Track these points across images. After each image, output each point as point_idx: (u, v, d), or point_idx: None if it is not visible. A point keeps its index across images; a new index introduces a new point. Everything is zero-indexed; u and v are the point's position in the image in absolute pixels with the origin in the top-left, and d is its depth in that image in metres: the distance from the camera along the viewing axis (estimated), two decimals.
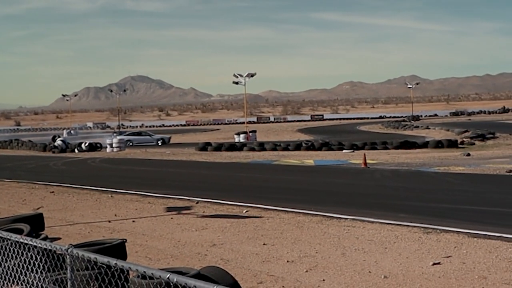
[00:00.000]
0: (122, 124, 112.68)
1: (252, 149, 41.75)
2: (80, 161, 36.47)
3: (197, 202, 16.27)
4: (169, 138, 57.55)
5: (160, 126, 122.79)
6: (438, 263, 8.98)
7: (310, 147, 41.01)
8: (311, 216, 13.47)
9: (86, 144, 48.63)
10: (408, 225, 11.86)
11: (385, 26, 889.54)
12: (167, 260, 9.96)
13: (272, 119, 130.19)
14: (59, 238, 11.75)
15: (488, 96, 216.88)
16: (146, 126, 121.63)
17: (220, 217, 13.85)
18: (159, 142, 55.34)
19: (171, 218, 14.05)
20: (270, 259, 9.74)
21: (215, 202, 16.17)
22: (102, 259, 4.65)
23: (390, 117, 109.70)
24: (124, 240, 7.18)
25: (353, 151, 37.70)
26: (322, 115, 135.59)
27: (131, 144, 50.37)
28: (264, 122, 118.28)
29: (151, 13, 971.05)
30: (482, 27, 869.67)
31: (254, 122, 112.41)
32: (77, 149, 47.39)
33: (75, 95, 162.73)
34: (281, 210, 14.42)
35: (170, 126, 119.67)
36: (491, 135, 46.06)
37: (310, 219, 13.15)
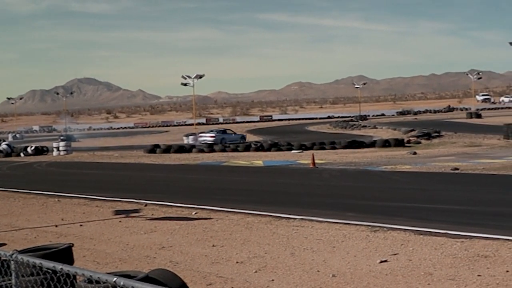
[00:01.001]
0: (69, 127, 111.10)
1: (201, 151, 41.65)
2: (26, 165, 35.88)
3: (146, 205, 16.16)
4: (246, 136, 57.02)
5: (108, 128, 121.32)
6: (385, 261, 9.10)
7: (259, 148, 41.12)
8: (260, 217, 13.50)
9: (32, 148, 47.79)
10: (356, 224, 11.99)
11: (333, 27, 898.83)
12: (116, 263, 9.87)
13: (221, 120, 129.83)
14: (5, 244, 11.54)
15: (433, 95, 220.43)
16: (94, 129, 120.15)
17: (169, 220, 13.79)
18: (241, 140, 54.33)
19: (120, 222, 13.93)
20: (219, 260, 9.74)
21: (164, 205, 16.08)
22: (48, 264, 4.59)
23: (338, 117, 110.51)
24: (71, 245, 7.08)
25: (302, 152, 37.92)
26: (271, 116, 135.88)
27: (226, 143, 48.47)
28: (213, 124, 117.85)
29: (97, 14, 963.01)
30: (427, 27, 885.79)
31: (203, 124, 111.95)
32: (23, 153, 46.55)
33: (21, 98, 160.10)
34: (230, 211, 14.42)
35: (118, 128, 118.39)
36: (436, 134, 46.83)
37: (259, 219, 13.18)
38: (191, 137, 56.64)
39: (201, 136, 53.23)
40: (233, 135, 54.95)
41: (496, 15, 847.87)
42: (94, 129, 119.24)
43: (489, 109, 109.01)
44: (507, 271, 8.26)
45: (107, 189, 20.89)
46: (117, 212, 15.24)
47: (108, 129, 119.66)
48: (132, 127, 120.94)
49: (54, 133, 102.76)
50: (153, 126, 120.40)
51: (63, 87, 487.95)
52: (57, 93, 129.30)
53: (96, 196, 18.55)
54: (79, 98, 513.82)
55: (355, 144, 40.59)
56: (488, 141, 39.59)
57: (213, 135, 52.50)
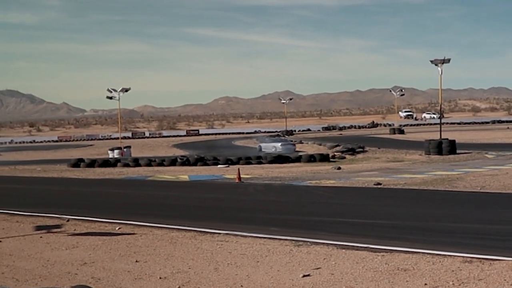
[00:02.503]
0: None
1: (127, 165, 41.20)
2: None
3: (68, 220, 15.87)
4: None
5: (30, 142, 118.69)
6: (308, 275, 9.19)
7: (185, 162, 40.97)
8: (185, 231, 13.44)
9: None
10: (279, 239, 12.07)
11: (259, 42, 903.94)
12: (36, 280, 9.65)
13: (147, 134, 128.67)
14: None
15: (358, 111, 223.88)
16: (16, 142, 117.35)
17: (91, 235, 13.58)
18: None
19: (40, 237, 13.63)
20: (142, 276, 9.64)
21: (86, 220, 15.83)
22: None
23: (265, 131, 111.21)
24: None
25: (228, 166, 37.97)
26: (198, 130, 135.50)
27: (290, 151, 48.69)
28: (139, 138, 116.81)
29: (21, 25, 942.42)
30: (351, 45, 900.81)
31: (129, 138, 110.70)
32: None
33: None
34: (155, 226, 14.31)
35: (41, 142, 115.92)
36: (360, 149, 47.64)
37: (184, 234, 13.12)
38: (116, 151, 55.97)
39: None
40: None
41: (417, 34, 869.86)
42: (16, 143, 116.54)
43: (411, 125, 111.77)
44: (426, 284, 8.47)
45: (28, 204, 20.43)
46: (38, 228, 14.91)
47: (30, 142, 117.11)
48: (56, 141, 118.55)
49: None
50: (77, 140, 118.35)
51: None
52: None
53: (17, 211, 18.09)
54: (1, 110, 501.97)
55: (281, 159, 40.90)
56: (410, 156, 40.52)
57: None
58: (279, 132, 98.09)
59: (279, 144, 55.35)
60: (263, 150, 53.36)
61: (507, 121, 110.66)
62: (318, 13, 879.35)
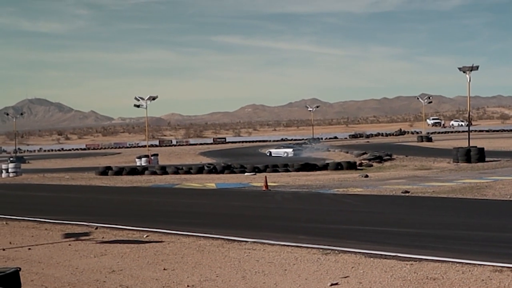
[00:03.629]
0: (19, 149, 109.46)
1: (154, 173, 41.45)
2: None
3: (96, 228, 15.96)
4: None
5: (59, 150, 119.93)
6: (336, 284, 9.14)
7: (212, 170, 41.12)
8: (212, 239, 13.45)
9: None
10: (307, 247, 12.02)
11: (286, 50, 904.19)
12: None
13: (174, 142, 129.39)
14: None
15: (385, 119, 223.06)
16: (45, 150, 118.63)
17: (119, 243, 13.63)
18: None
19: (69, 245, 13.72)
20: (170, 284, 9.65)
21: (114, 228, 15.90)
22: None
23: (291, 139, 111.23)
24: (18, 269, 6.95)
25: (255, 174, 38.01)
26: (225, 138, 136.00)
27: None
28: (166, 145, 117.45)
29: (49, 34, 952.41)
30: (378, 52, 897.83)
31: (156, 146, 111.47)
32: None
33: None
34: (182, 234, 14.32)
35: (69, 150, 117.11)
36: (388, 157, 47.45)
37: (211, 242, 13.12)
38: (143, 159, 56.33)
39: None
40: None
41: (445, 41, 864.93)
42: (44, 151, 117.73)
43: (439, 132, 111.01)
44: None
45: (57, 211, 20.59)
46: (67, 235, 15.01)
47: (59, 150, 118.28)
48: (84, 149, 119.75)
49: (3, 155, 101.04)
50: (105, 148, 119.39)
51: (13, 108, 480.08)
52: (7, 114, 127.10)
53: (46, 219, 18.24)
54: (30, 119, 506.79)
55: (308, 167, 40.90)
56: (438, 164, 40.24)
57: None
58: (305, 139, 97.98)
59: (291, 150, 58.47)
60: (273, 155, 55.19)
61: None
62: (346, 21, 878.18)
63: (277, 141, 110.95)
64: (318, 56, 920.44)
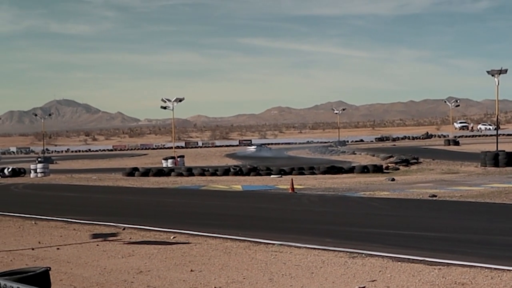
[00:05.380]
0: (47, 149, 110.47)
1: (180, 174, 41.61)
2: (3, 187, 35.55)
3: (124, 229, 16.07)
4: None
5: (86, 151, 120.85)
6: (363, 287, 9.12)
7: (238, 172, 41.17)
8: (239, 241, 13.47)
9: (9, 170, 47.42)
10: (334, 250, 11.99)
11: (312, 52, 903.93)
12: None
13: (200, 144, 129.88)
14: None
15: (412, 122, 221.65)
16: (72, 151, 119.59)
17: (147, 244, 13.71)
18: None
19: (97, 245, 13.83)
20: (197, 285, 9.69)
21: (142, 228, 16.00)
22: None
23: (317, 142, 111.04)
24: (48, 268, 7.03)
25: (281, 176, 37.98)
26: (251, 140, 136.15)
27: None
28: (192, 147, 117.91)
29: (77, 36, 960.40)
30: (405, 55, 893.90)
31: (182, 147, 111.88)
32: (0, 175, 46.16)
33: None
34: (209, 236, 14.37)
35: (96, 151, 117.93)
36: (414, 161, 47.14)
37: (238, 244, 13.15)
38: (170, 160, 56.56)
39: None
40: None
41: (473, 44, 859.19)
42: (72, 151, 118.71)
43: (466, 136, 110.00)
44: None
45: (84, 212, 20.75)
46: (95, 236, 15.13)
47: (86, 151, 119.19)
48: (111, 150, 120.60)
49: (31, 155, 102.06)
50: (131, 149, 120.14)
51: (41, 109, 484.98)
52: (35, 115, 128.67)
53: (74, 219, 18.41)
54: (58, 119, 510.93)
55: (334, 169, 40.79)
56: (465, 168, 39.91)
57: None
58: (331, 142, 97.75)
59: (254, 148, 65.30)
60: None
61: None
62: (373, 23, 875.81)
63: (303, 143, 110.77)
64: (345, 59, 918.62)
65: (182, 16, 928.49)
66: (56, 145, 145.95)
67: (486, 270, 9.82)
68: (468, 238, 13.45)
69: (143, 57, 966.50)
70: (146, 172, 42.72)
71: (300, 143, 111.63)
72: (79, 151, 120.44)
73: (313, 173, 39.85)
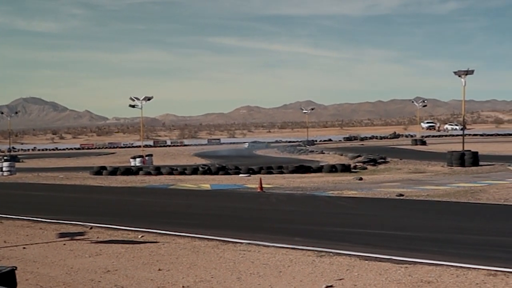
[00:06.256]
0: (13, 147, 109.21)
1: (148, 173, 41.43)
2: None
3: (91, 228, 15.96)
4: None
5: (53, 149, 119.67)
6: (331, 286, 9.16)
7: (207, 171, 41.11)
8: (207, 240, 13.46)
9: None
10: (302, 249, 12.04)
11: (281, 52, 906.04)
12: (59, 287, 9.71)
13: (169, 143, 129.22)
14: None
15: (380, 122, 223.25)
16: (39, 150, 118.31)
17: (114, 243, 13.63)
18: None
19: (64, 244, 13.71)
20: (165, 284, 9.66)
21: (109, 228, 15.90)
22: None
23: (286, 141, 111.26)
24: (14, 268, 6.95)
25: (250, 176, 38.01)
26: (219, 139, 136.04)
27: None
28: (160, 146, 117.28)
29: (45, 33, 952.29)
30: (374, 55, 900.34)
31: (150, 146, 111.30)
32: None
33: None
34: (177, 235, 14.33)
35: (64, 149, 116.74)
36: (382, 160, 47.46)
37: (206, 243, 13.14)
38: (138, 159, 56.29)
39: None
40: None
41: (441, 45, 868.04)
42: (39, 150, 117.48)
43: (433, 136, 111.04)
44: None
45: (51, 211, 20.58)
46: (62, 235, 14.99)
47: (53, 150, 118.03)
48: (78, 148, 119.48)
49: None
50: (99, 148, 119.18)
51: (8, 106, 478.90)
52: (1, 112, 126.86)
53: (40, 218, 18.23)
54: (24, 117, 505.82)
55: (303, 168, 40.90)
56: (432, 168, 40.29)
57: None
58: (300, 141, 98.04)
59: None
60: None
61: None
62: (341, 23, 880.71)
63: (272, 142, 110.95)
64: (314, 59, 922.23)
65: (151, 15, 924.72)
66: (22, 144, 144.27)
67: (452, 268, 9.93)
68: (434, 236, 13.59)
69: (112, 55, 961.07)
70: (114, 171, 42.48)
71: (268, 142, 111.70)
72: (46, 149, 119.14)
73: (282, 172, 39.93)
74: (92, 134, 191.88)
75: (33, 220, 17.96)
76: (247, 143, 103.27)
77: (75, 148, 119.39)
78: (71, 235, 14.86)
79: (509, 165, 38.21)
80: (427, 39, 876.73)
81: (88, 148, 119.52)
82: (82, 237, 14.69)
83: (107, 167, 44.77)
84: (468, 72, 43.32)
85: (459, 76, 43.65)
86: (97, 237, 14.56)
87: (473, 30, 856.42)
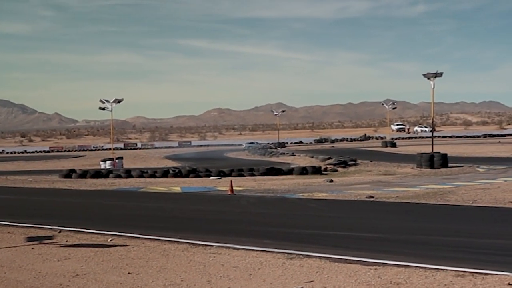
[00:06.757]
0: None
1: (118, 176, 41.16)
2: None
3: (60, 231, 15.81)
4: None
5: (22, 152, 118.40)
6: None
7: (178, 174, 40.98)
8: (177, 243, 13.41)
9: None
10: (272, 251, 12.05)
11: (252, 55, 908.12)
12: None
13: (139, 145, 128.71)
14: None
15: (350, 124, 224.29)
16: (7, 153, 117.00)
17: (83, 246, 13.52)
18: None
19: (32, 248, 13.57)
20: None
21: (79, 231, 15.77)
22: None
23: (257, 143, 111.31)
24: None
25: (220, 178, 37.97)
26: (190, 142, 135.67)
27: None
28: (131, 149, 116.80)
29: (14, 35, 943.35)
30: (344, 57, 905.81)
31: (121, 149, 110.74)
32: None
33: None
34: (147, 238, 14.26)
35: (33, 152, 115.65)
36: (352, 162, 47.67)
37: (176, 247, 13.09)
38: (108, 162, 55.95)
39: None
40: None
41: (411, 48, 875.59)
42: (7, 153, 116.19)
43: (403, 138, 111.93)
44: None
45: (19, 214, 20.36)
46: (30, 239, 14.84)
47: (22, 152, 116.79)
48: (48, 151, 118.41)
49: None
50: (69, 151, 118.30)
51: None
52: None
53: (8, 222, 18.01)
54: None
55: (273, 171, 40.95)
56: (402, 169, 40.58)
57: None
58: (271, 144, 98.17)
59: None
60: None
61: (498, 135, 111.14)
62: (312, 26, 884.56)
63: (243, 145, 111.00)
64: (284, 61, 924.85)
65: (122, 17, 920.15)
66: None
67: (421, 269, 10.01)
68: (404, 238, 13.69)
69: (82, 57, 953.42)
70: (84, 174, 42.14)
71: (239, 145, 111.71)
72: (15, 152, 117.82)
73: (253, 175, 39.95)
74: (61, 137, 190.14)
75: (1, 224, 17.74)
76: (244, 144, 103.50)
77: (45, 151, 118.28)
78: (39, 239, 14.72)
79: (477, 167, 38.66)
80: (397, 41, 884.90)
81: (58, 151, 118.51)
82: (50, 241, 14.55)
83: (76, 170, 44.40)
84: (437, 75, 43.69)
85: (428, 78, 44.01)
86: (66, 241, 14.43)
87: (442, 33, 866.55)
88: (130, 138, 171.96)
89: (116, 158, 58.13)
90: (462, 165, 40.30)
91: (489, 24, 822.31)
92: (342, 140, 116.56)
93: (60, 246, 13.73)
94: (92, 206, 23.72)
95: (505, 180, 28.24)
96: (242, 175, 39.78)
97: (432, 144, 46.15)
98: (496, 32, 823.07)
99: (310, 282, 9.54)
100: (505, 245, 12.41)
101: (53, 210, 22.71)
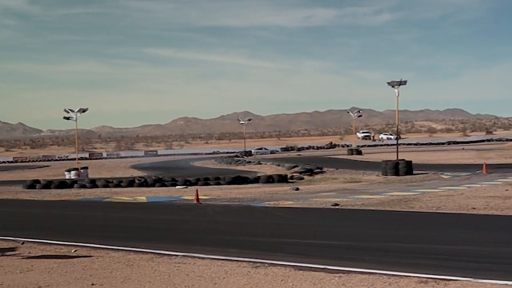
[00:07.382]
0: None
1: (83, 186, 40.82)
2: None
3: (23, 243, 15.60)
4: None
5: None
6: None
7: (143, 183, 40.77)
8: (142, 254, 13.32)
9: None
10: (237, 260, 12.03)
11: (219, 63, 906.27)
12: None
13: (105, 155, 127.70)
14: None
15: (316, 132, 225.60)
16: None
17: (46, 258, 13.36)
18: None
19: None
20: None
21: (42, 242, 15.57)
22: None
23: (223, 152, 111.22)
24: None
25: (187, 187, 37.86)
26: (156, 151, 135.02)
27: None
28: (96, 158, 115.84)
29: None
30: (310, 66, 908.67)
31: (86, 158, 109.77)
32: None
33: None
34: (111, 248, 14.14)
35: None
36: (318, 170, 47.87)
37: (141, 257, 13.00)
38: (73, 172, 55.44)
39: None
40: None
41: (376, 56, 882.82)
42: None
43: (369, 146, 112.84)
44: None
45: None
46: None
47: None
48: (11, 162, 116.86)
49: None
50: (33, 161, 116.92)
51: None
52: None
53: None
54: None
55: (240, 179, 40.98)
56: (367, 177, 40.87)
57: None
58: (237, 153, 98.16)
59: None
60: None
61: (462, 142, 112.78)
62: (278, 34, 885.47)
63: (209, 154, 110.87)
64: (250, 69, 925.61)
65: (86, 25, 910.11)
66: None
67: (385, 276, 10.08)
68: (368, 245, 13.77)
69: (46, 66, 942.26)
70: (48, 184, 41.72)
71: (206, 154, 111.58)
72: None
73: (219, 184, 39.92)
74: (25, 147, 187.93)
75: None
76: (251, 150, 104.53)
77: (8, 161, 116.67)
78: (1, 251, 14.50)
79: (442, 174, 39.09)
80: (362, 50, 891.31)
81: (22, 161, 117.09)
82: (13, 252, 14.36)
83: (40, 180, 43.93)
84: (401, 83, 44.14)
85: (393, 86, 44.43)
86: (29, 252, 14.25)
87: (406, 42, 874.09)
88: (95, 148, 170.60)
89: (81, 168, 57.62)
90: (426, 172, 40.73)
91: (453, 33, 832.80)
92: (309, 148, 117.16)
93: (23, 258, 13.55)
94: (56, 217, 23.48)
95: (469, 187, 28.60)
96: (208, 184, 39.75)
97: (397, 152, 46.62)
98: (460, 41, 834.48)
99: None
100: (468, 251, 12.55)
101: (16, 221, 22.41)
